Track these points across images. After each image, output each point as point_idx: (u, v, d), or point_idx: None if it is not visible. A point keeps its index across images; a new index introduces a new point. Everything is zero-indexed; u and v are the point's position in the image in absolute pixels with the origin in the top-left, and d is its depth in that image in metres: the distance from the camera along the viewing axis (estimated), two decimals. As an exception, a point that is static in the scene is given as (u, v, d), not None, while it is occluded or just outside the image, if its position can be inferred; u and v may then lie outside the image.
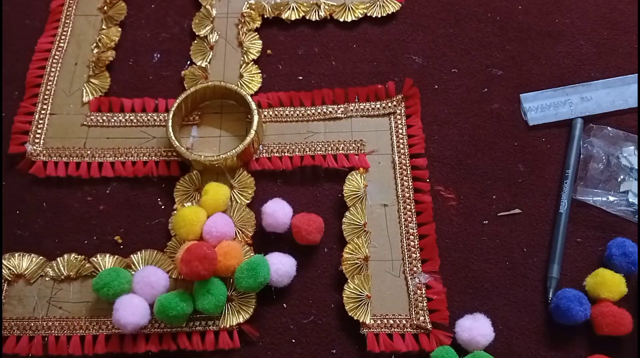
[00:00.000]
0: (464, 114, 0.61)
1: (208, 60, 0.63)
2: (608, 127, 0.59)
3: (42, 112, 0.60)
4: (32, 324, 0.51)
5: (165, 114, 0.60)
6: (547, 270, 0.53)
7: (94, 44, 0.64)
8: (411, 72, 0.63)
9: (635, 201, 0.55)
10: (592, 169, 0.57)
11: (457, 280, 0.53)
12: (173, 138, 0.55)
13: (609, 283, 0.50)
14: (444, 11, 0.66)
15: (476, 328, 0.49)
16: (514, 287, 0.53)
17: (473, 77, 0.62)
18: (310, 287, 0.53)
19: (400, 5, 0.65)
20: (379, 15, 0.65)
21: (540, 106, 0.60)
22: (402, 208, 0.55)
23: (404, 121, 0.59)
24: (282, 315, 0.52)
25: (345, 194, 0.55)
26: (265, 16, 0.65)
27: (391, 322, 0.50)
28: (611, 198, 0.56)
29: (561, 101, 0.60)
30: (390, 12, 0.65)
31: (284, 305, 0.52)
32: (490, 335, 0.49)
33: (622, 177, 0.57)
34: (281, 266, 0.51)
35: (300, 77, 0.63)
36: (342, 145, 0.57)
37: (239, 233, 0.54)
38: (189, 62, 0.63)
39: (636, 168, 0.57)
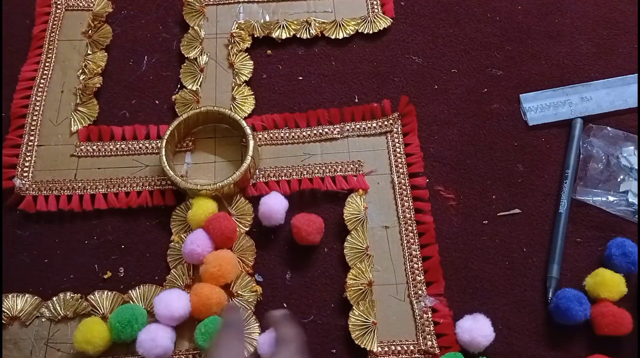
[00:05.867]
0: (464, 114, 0.61)
1: (199, 83, 0.61)
2: (608, 127, 0.59)
3: (30, 144, 0.58)
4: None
5: (157, 141, 0.58)
6: (547, 270, 0.53)
7: (80, 70, 0.62)
8: (411, 72, 0.63)
9: (635, 201, 0.55)
10: (592, 169, 0.57)
11: (457, 280, 0.53)
12: (167, 167, 0.54)
13: (609, 283, 0.50)
14: (444, 11, 0.66)
15: (476, 329, 0.49)
16: (514, 287, 0.53)
17: (473, 78, 0.62)
18: (310, 287, 0.53)
19: (391, 20, 0.65)
20: (370, 32, 0.64)
21: (540, 106, 0.60)
22: (403, 229, 0.54)
23: (401, 140, 0.58)
24: (282, 315, 0.52)
25: (345, 218, 0.54)
26: (255, 35, 0.64)
27: (399, 348, 0.50)
28: (611, 198, 0.56)
29: (561, 101, 0.60)
30: (381, 28, 0.64)
31: (284, 305, 0.52)
32: (491, 335, 0.49)
33: (621, 177, 0.57)
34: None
35: (300, 78, 0.63)
36: (340, 166, 0.57)
37: (239, 262, 0.53)
38: (179, 86, 0.62)
39: (636, 168, 0.57)
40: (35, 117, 0.60)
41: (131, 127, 0.59)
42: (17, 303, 0.51)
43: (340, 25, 0.65)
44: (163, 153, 0.55)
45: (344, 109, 0.60)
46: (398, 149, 0.58)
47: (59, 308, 0.51)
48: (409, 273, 0.53)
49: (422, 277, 0.52)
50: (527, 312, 0.52)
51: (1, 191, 0.56)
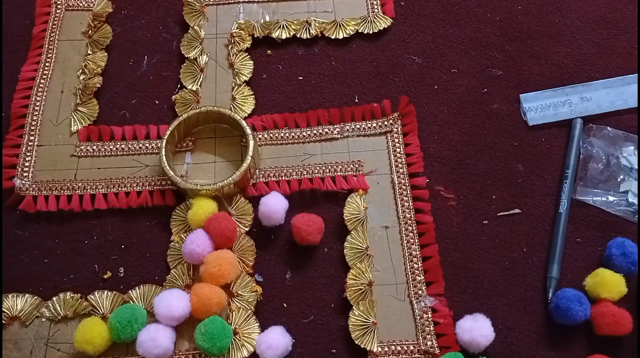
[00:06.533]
0: (464, 114, 0.61)
1: (199, 83, 0.61)
2: (608, 127, 0.59)
3: (30, 144, 0.58)
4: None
5: (158, 141, 0.58)
6: (547, 270, 0.53)
7: (80, 70, 0.62)
8: (411, 72, 0.63)
9: (635, 201, 0.55)
10: (592, 169, 0.57)
11: (457, 280, 0.53)
12: (167, 167, 0.54)
13: (609, 283, 0.50)
14: (444, 11, 0.66)
15: (477, 329, 0.49)
16: (514, 287, 0.53)
17: (473, 78, 0.62)
18: (310, 287, 0.53)
19: (391, 20, 0.65)
20: (370, 32, 0.64)
21: (540, 106, 0.60)
22: (403, 229, 0.54)
23: (401, 140, 0.58)
24: (282, 315, 0.52)
25: (345, 218, 0.54)
26: (255, 35, 0.64)
27: (399, 348, 0.50)
28: (611, 198, 0.56)
29: (561, 101, 0.60)
30: (381, 28, 0.64)
31: (284, 305, 0.52)
32: (491, 335, 0.49)
33: (621, 177, 0.57)
34: (274, 343, 0.49)
35: (301, 78, 0.63)
36: (340, 166, 0.57)
37: (239, 262, 0.53)
38: (179, 86, 0.62)
39: (636, 168, 0.57)
40: (35, 118, 0.60)
41: (131, 127, 0.59)
42: (17, 303, 0.51)
43: (340, 25, 0.65)
44: (163, 153, 0.55)
45: (344, 109, 0.60)
46: (398, 149, 0.58)
47: (59, 308, 0.51)
48: (409, 273, 0.53)
49: (422, 277, 0.52)
50: (527, 312, 0.52)
51: (1, 191, 0.56)
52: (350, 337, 0.50)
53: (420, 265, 0.53)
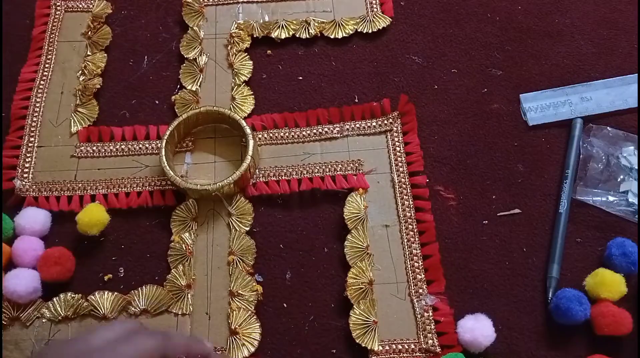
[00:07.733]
0: (464, 114, 0.61)
1: (198, 83, 0.61)
2: (608, 127, 0.59)
3: (30, 145, 0.58)
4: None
5: (157, 142, 0.58)
6: (547, 270, 0.53)
7: (80, 72, 0.62)
8: (411, 72, 0.63)
9: (635, 201, 0.55)
10: (592, 169, 0.57)
11: (457, 280, 0.53)
12: (167, 167, 0.54)
13: (609, 283, 0.50)
14: (444, 11, 0.66)
15: (478, 328, 0.49)
16: (514, 287, 0.53)
17: (473, 78, 0.62)
18: (310, 287, 0.53)
19: (390, 20, 0.65)
20: (369, 31, 0.64)
21: (540, 106, 0.60)
22: (403, 228, 0.54)
23: (400, 138, 0.58)
24: (282, 315, 0.52)
25: (346, 217, 0.54)
26: (255, 36, 0.64)
27: (400, 347, 0.50)
28: (611, 198, 0.56)
29: (561, 101, 0.60)
30: (380, 28, 0.64)
31: (284, 305, 0.52)
32: (492, 335, 0.49)
33: (621, 177, 0.56)
34: None
35: (300, 78, 0.63)
36: (340, 165, 0.57)
37: (239, 262, 0.53)
38: (178, 86, 0.62)
39: (636, 168, 0.57)
40: (35, 119, 0.60)
41: (131, 127, 0.59)
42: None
43: (339, 24, 0.65)
44: (163, 153, 0.55)
45: (344, 108, 0.60)
46: (398, 148, 0.58)
47: (59, 308, 0.51)
48: (410, 271, 0.53)
49: (423, 276, 0.52)
50: (527, 312, 0.51)
51: (1, 192, 0.56)
52: (350, 337, 0.50)
53: (420, 263, 0.53)
